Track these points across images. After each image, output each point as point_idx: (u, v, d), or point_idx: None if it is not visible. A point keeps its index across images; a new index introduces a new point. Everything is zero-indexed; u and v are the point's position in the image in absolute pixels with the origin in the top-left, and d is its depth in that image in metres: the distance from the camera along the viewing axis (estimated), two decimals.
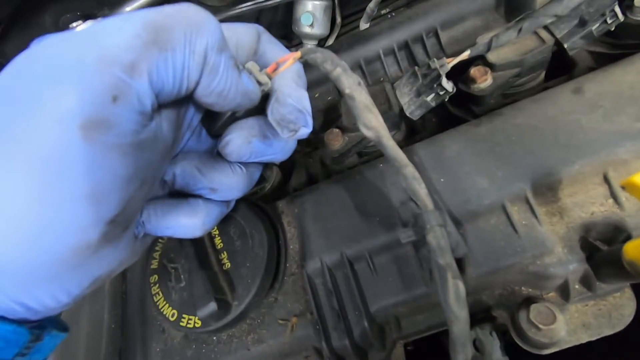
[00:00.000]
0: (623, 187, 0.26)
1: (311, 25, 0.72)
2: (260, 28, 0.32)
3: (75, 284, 0.23)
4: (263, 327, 0.36)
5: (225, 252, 0.36)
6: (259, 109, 0.28)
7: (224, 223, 0.37)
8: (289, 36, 0.76)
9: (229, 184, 0.29)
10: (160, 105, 0.24)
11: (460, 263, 0.33)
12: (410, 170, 0.29)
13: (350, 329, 0.34)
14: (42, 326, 0.25)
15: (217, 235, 0.37)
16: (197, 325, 0.34)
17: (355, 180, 0.39)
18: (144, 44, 0.21)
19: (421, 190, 0.29)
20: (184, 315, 0.35)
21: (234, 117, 0.28)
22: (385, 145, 0.29)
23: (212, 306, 0.33)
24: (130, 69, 0.20)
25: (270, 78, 0.27)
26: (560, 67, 0.47)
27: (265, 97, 0.27)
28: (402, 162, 0.29)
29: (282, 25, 0.74)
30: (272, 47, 0.31)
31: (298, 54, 0.29)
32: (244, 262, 0.36)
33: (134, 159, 0.21)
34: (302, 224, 0.39)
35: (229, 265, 0.36)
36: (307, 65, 0.30)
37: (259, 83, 0.26)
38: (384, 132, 0.29)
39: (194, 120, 0.28)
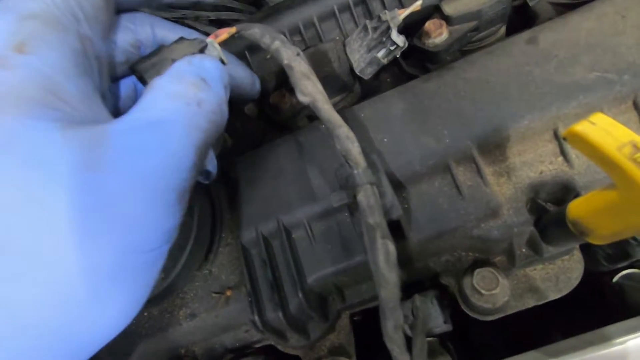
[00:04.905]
0: (565, 139, 0.24)
1: None
2: None
3: None
4: (196, 300, 0.34)
5: None
6: None
7: None
8: (258, 2, 0.71)
9: None
10: None
11: (399, 227, 0.31)
12: (343, 130, 0.27)
13: (286, 300, 0.31)
14: None
15: None
16: None
17: (297, 143, 0.36)
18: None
19: (354, 149, 0.27)
20: None
21: None
22: (319, 108, 0.28)
23: None
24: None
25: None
26: (523, 22, 0.44)
27: None
28: (335, 123, 0.28)
29: None
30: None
31: (233, 29, 0.29)
32: None
33: None
34: (240, 191, 0.36)
35: None
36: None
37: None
38: (320, 96, 0.28)
39: None
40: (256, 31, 0.29)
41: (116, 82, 0.28)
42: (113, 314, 0.19)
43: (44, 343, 0.18)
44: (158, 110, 0.20)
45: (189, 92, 0.21)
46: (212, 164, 0.30)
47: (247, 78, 0.33)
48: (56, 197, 0.17)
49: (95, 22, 0.22)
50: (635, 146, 0.20)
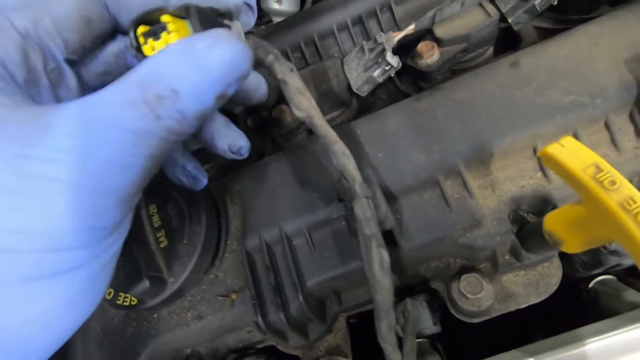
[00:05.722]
0: (539, 158, 0.27)
1: (279, 1, 0.70)
2: None
3: None
4: (203, 303, 0.36)
5: (163, 230, 0.36)
6: None
7: (163, 201, 0.37)
8: (259, 17, 0.73)
9: None
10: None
11: (392, 237, 0.33)
12: (339, 146, 0.29)
13: (287, 303, 0.34)
14: None
15: (155, 213, 0.37)
16: (133, 303, 0.34)
17: (297, 156, 0.39)
18: None
19: (350, 164, 0.29)
20: (120, 294, 0.34)
21: None
22: (315, 124, 0.29)
23: (145, 283, 0.32)
24: None
25: None
26: (509, 43, 0.47)
27: None
28: (331, 140, 0.29)
29: None
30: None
31: None
32: (181, 240, 0.35)
33: None
34: (243, 201, 0.38)
35: (166, 243, 0.35)
36: None
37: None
38: (315, 112, 0.29)
39: None
40: (250, 43, 0.29)
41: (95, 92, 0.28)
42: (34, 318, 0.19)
43: None
44: (109, 112, 0.19)
45: (150, 103, 0.19)
46: (243, 139, 0.31)
47: (253, 80, 0.33)
48: None
49: (56, 40, 0.23)
50: (597, 167, 0.23)
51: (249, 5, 0.26)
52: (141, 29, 0.22)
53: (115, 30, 0.26)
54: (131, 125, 0.19)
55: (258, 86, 0.33)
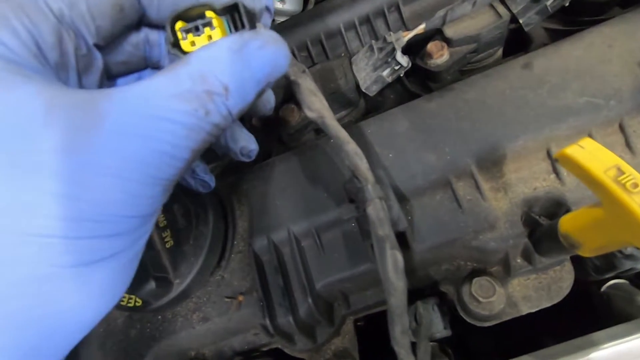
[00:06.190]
0: (556, 160, 0.26)
1: (282, 1, 0.70)
2: None
3: None
4: (209, 305, 0.36)
5: (168, 230, 0.35)
6: None
7: (168, 200, 0.36)
8: None
9: None
10: None
11: (404, 238, 0.33)
12: (352, 147, 0.29)
13: (296, 305, 0.33)
14: None
15: (160, 213, 0.36)
16: (137, 304, 0.33)
17: (305, 157, 0.38)
18: None
19: (362, 165, 0.29)
20: (124, 295, 0.33)
21: None
22: (327, 125, 0.29)
23: (151, 285, 0.32)
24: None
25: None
26: (518, 44, 0.46)
27: None
28: (344, 140, 0.29)
29: None
30: None
31: None
32: (187, 240, 0.34)
33: None
34: (251, 201, 0.38)
35: (172, 244, 0.34)
36: None
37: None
38: (327, 113, 0.29)
39: None
40: None
41: (113, 80, 0.28)
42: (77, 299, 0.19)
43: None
44: (161, 104, 0.19)
45: (202, 99, 0.19)
46: (254, 143, 0.31)
47: (266, 94, 0.33)
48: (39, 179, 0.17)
49: (89, 25, 0.22)
50: (619, 169, 0.23)
51: (268, 8, 0.26)
52: (179, 25, 0.22)
53: (140, 22, 0.25)
54: (182, 119, 0.19)
55: (267, 101, 0.33)
